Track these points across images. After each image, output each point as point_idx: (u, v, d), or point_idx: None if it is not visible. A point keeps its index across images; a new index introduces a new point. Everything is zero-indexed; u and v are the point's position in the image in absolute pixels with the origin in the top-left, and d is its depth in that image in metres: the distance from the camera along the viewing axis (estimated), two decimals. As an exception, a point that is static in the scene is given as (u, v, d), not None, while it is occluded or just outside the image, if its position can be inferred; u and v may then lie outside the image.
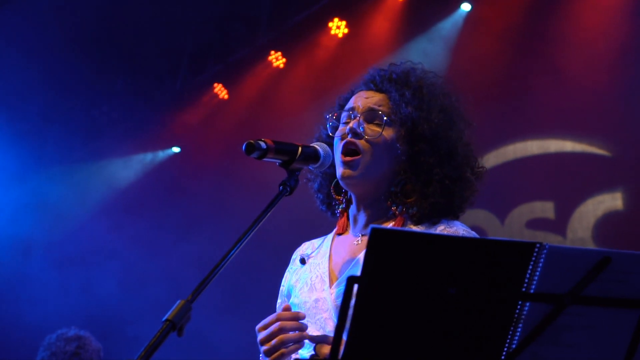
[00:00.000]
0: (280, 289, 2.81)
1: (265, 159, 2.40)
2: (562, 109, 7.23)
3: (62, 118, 8.79)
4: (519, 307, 1.72)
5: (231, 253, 2.15)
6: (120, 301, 8.45)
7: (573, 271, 1.71)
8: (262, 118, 8.62)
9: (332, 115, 2.74)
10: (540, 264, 1.69)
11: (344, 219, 2.74)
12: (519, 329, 1.74)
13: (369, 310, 1.67)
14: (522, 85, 7.44)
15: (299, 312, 2.38)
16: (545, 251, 1.69)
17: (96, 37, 8.06)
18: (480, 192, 2.70)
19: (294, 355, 2.34)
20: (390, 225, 2.59)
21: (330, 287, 2.56)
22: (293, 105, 8.42)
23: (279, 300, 2.81)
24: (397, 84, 2.67)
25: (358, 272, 2.44)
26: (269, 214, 2.29)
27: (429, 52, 7.66)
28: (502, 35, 7.47)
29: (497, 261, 1.68)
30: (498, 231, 7.37)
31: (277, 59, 8.65)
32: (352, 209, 2.70)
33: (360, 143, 2.59)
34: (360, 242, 2.64)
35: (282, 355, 2.32)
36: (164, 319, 1.93)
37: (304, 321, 2.38)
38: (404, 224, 2.58)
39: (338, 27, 8.20)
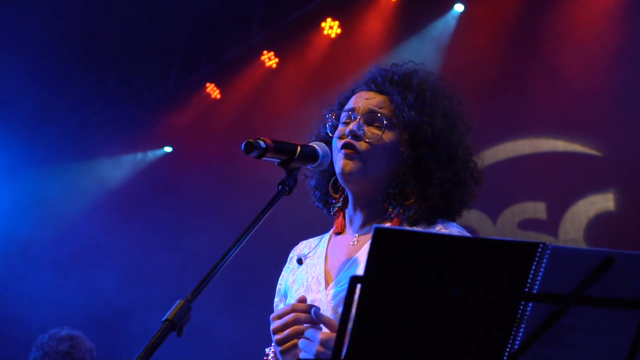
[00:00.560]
0: (278, 287, 2.81)
1: (264, 158, 2.39)
2: (554, 109, 7.25)
3: (54, 118, 8.77)
4: (521, 307, 1.72)
5: (231, 252, 2.14)
6: (115, 300, 8.43)
7: (576, 271, 1.71)
8: (255, 118, 8.62)
9: (332, 115, 2.73)
10: (544, 264, 1.69)
11: (341, 219, 2.73)
12: (522, 329, 1.73)
13: (372, 310, 1.67)
14: (514, 86, 7.45)
15: (313, 305, 2.38)
16: (548, 251, 1.68)
17: (88, 36, 8.04)
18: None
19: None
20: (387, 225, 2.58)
21: (326, 288, 2.55)
22: (285, 106, 8.42)
23: (276, 299, 2.80)
24: (399, 86, 2.66)
25: (354, 273, 2.47)
26: (268, 213, 2.29)
27: (421, 53, 7.66)
28: (494, 35, 7.49)
29: (501, 261, 1.68)
30: (490, 232, 7.38)
31: (269, 59, 8.65)
32: (349, 209, 2.70)
33: (359, 145, 2.58)
34: (356, 242, 2.63)
35: (294, 346, 2.32)
36: (163, 318, 1.92)
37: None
38: (400, 225, 2.58)
39: (331, 27, 8.20)
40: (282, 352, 2.36)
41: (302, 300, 2.39)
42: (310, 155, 2.52)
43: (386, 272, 1.65)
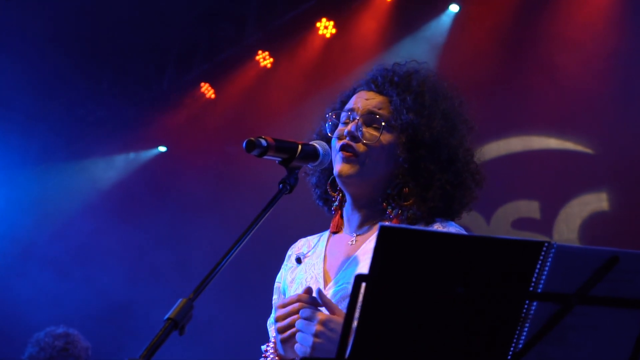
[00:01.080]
0: (276, 285, 2.80)
1: (265, 157, 2.39)
2: (548, 107, 7.24)
3: (48, 117, 8.74)
4: (526, 306, 1.72)
5: (232, 251, 2.14)
6: (114, 298, 8.41)
7: (580, 271, 1.71)
8: (249, 118, 8.60)
9: (332, 114, 2.72)
10: (548, 263, 1.68)
11: (337, 218, 2.72)
12: (526, 329, 1.73)
13: (376, 309, 1.66)
14: (508, 84, 7.44)
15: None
16: (553, 250, 1.68)
17: (81, 35, 8.01)
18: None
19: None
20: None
21: (325, 288, 2.55)
22: (280, 106, 8.41)
23: (274, 297, 2.79)
24: (399, 87, 2.64)
25: (353, 272, 2.47)
26: (269, 212, 2.28)
27: (416, 53, 7.65)
28: (488, 35, 7.49)
29: (505, 260, 1.68)
30: (484, 231, 7.37)
31: (264, 59, 8.63)
32: (347, 208, 2.69)
33: (358, 146, 2.57)
34: (354, 242, 2.63)
35: (294, 336, 2.30)
36: (165, 317, 1.92)
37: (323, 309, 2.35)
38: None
39: (326, 27, 8.18)
40: (283, 341, 2.35)
41: (309, 291, 2.37)
42: (311, 154, 2.52)
43: (391, 270, 1.64)
